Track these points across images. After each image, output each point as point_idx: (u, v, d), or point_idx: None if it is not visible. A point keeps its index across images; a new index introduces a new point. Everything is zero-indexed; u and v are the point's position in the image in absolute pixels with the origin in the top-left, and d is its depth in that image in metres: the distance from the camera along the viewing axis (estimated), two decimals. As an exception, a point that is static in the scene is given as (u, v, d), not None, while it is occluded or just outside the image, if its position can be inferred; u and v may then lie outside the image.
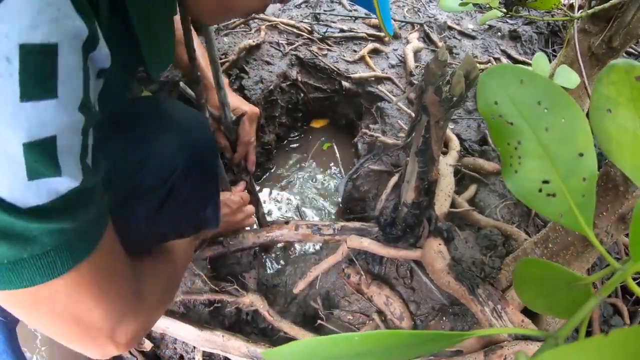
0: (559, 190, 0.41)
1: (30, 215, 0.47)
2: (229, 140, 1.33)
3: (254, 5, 0.74)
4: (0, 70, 0.41)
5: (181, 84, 1.29)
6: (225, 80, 1.35)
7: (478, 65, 1.98)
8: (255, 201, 1.42)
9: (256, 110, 1.37)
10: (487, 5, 1.06)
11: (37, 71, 0.43)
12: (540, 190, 0.42)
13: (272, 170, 2.04)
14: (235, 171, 1.45)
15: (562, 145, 0.41)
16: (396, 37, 2.14)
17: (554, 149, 0.41)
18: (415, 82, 1.88)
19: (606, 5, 1.08)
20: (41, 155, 0.45)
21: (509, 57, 2.17)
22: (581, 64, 1.17)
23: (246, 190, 1.41)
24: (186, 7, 0.74)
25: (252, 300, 1.22)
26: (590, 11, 1.09)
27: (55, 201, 0.48)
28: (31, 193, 0.46)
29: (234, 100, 1.34)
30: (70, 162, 0.49)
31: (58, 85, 0.44)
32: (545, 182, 0.41)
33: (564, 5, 2.11)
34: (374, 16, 2.13)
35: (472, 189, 1.50)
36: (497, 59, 2.11)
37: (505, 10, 1.07)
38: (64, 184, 0.48)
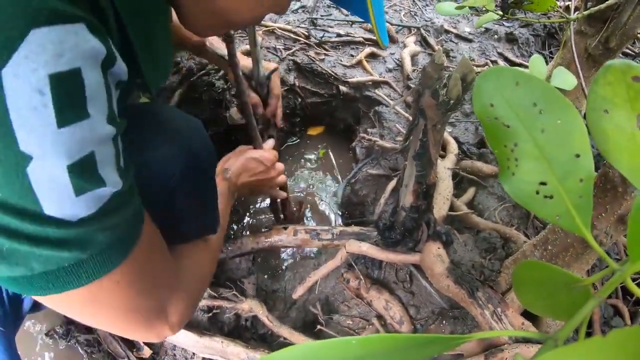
0: (556, 191, 0.40)
1: (82, 224, 0.50)
2: (259, 95, 1.35)
3: (250, 18, 0.74)
4: (34, 103, 0.43)
5: (207, 42, 1.31)
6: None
7: (475, 68, 1.98)
8: None
9: (277, 65, 1.41)
10: (484, 9, 1.06)
11: (69, 97, 0.45)
12: (537, 192, 0.42)
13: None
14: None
15: (558, 147, 0.41)
16: (393, 41, 2.14)
17: (550, 150, 0.41)
18: (413, 85, 1.88)
19: (602, 6, 1.09)
20: (84, 172, 0.48)
21: (506, 59, 2.17)
22: (578, 66, 1.18)
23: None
24: (182, 21, 0.74)
25: (251, 306, 1.22)
26: (586, 12, 1.09)
27: (103, 206, 0.52)
28: (80, 207, 0.49)
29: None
30: (110, 171, 0.52)
31: (88, 105, 0.47)
32: (542, 183, 0.41)
33: (560, 7, 2.11)
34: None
35: (470, 191, 1.50)
36: (494, 62, 2.12)
37: (501, 13, 1.07)
38: (108, 191, 0.52)
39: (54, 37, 0.43)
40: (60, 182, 0.47)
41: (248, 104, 1.26)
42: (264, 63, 1.31)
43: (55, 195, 0.47)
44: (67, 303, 0.58)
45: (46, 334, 1.39)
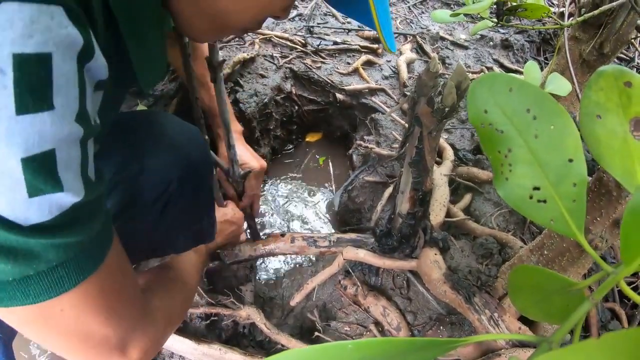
0: (550, 196, 0.41)
1: (33, 232, 0.45)
2: (236, 191, 1.38)
3: (249, 22, 0.70)
4: None
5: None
6: (239, 128, 1.44)
7: (470, 74, 1.99)
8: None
9: (264, 165, 1.42)
10: (479, 16, 1.07)
11: (32, 82, 0.41)
12: (531, 197, 0.42)
13: (268, 183, 2.04)
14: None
15: (551, 152, 0.41)
16: (389, 48, 2.15)
17: (543, 155, 0.41)
18: (409, 93, 1.89)
19: (596, 12, 1.09)
20: (40, 170, 0.44)
21: (502, 66, 2.18)
22: (572, 71, 1.18)
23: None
24: (179, 25, 0.71)
25: (248, 313, 1.22)
26: (580, 19, 1.10)
27: (59, 217, 0.47)
28: (33, 211, 0.44)
29: (244, 155, 1.39)
30: (71, 176, 0.47)
31: (54, 96, 0.43)
32: (536, 188, 0.41)
33: (555, 13, 2.13)
34: (367, 28, 2.14)
35: (467, 198, 1.50)
36: (489, 68, 2.13)
37: (496, 20, 1.08)
38: (66, 199, 0.47)
39: (25, 15, 0.40)
40: (13, 176, 0.42)
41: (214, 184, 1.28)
42: (241, 159, 1.35)
43: (7, 190, 0.43)
44: (10, 318, 0.53)
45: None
